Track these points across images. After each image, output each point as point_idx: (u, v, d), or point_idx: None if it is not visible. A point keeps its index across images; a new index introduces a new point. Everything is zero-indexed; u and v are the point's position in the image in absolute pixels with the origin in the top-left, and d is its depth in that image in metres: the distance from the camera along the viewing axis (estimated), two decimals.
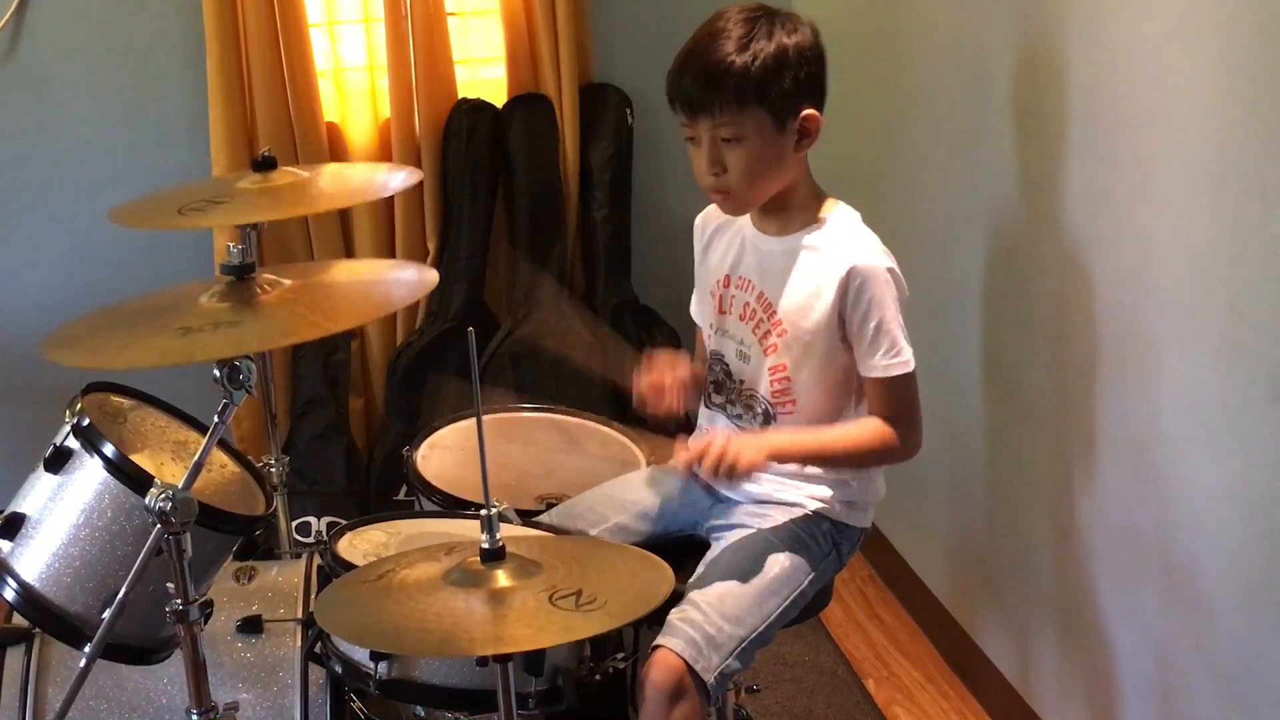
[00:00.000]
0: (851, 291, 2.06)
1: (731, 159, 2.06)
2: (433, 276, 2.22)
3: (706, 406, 2.26)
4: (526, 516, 2.26)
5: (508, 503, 2.14)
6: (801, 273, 2.11)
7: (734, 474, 2.02)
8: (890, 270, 2.08)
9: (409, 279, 2.29)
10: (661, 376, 2.20)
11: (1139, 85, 2.09)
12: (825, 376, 2.13)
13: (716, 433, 2.07)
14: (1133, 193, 2.14)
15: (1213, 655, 2.09)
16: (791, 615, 2.12)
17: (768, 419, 2.16)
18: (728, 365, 2.21)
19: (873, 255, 2.08)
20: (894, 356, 2.07)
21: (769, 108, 2.03)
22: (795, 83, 2.04)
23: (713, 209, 2.26)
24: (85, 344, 2.05)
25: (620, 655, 2.03)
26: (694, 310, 2.33)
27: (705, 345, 2.27)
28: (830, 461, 2.14)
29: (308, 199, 2.28)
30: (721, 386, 2.23)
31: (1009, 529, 2.74)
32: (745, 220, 2.20)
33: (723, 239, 2.24)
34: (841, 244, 2.10)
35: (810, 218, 2.14)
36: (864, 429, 2.12)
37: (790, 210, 2.14)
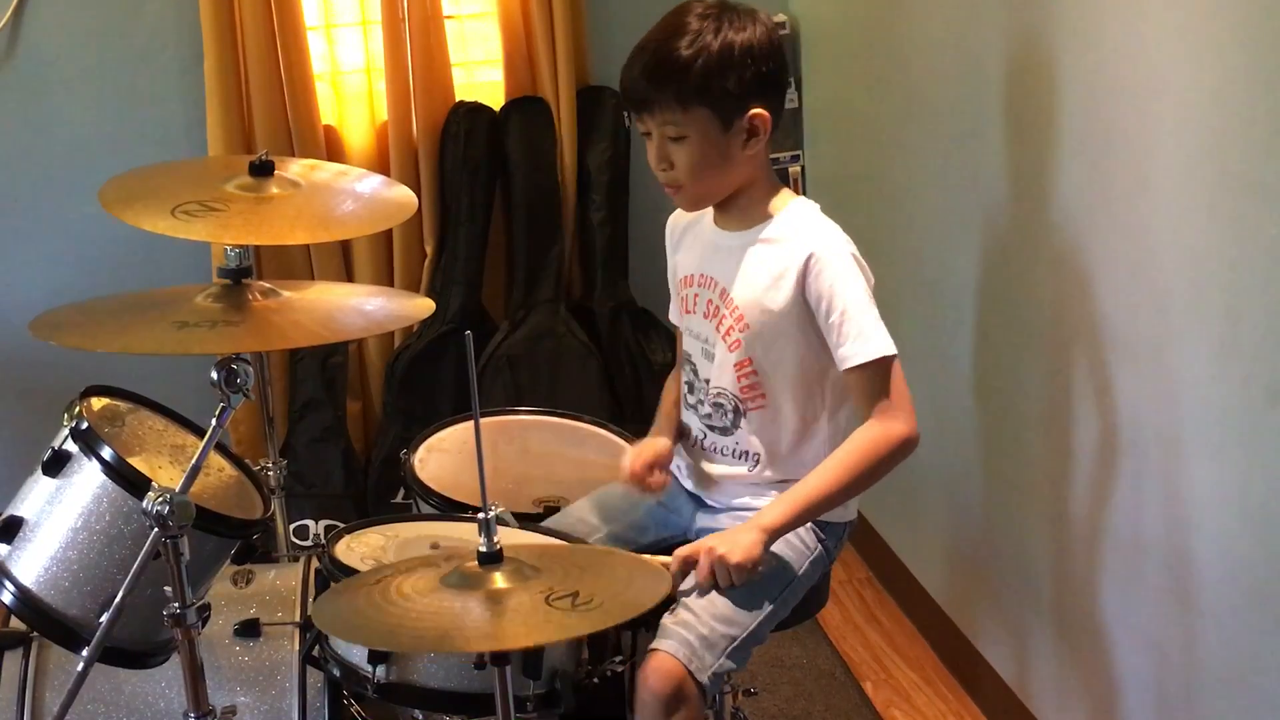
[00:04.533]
0: (812, 278, 2.04)
1: (677, 156, 2.06)
2: (427, 305, 2.23)
3: (685, 407, 2.26)
4: (524, 519, 2.26)
5: (504, 506, 2.14)
6: (759, 264, 2.10)
7: (732, 578, 1.99)
8: (851, 255, 2.06)
9: (404, 309, 2.31)
10: (644, 466, 2.20)
11: (1136, 87, 2.10)
12: (793, 368, 2.12)
13: (704, 540, 2.03)
14: (1130, 195, 2.14)
15: (1210, 657, 2.09)
16: (783, 614, 2.12)
17: (738, 414, 2.16)
18: (695, 365, 2.21)
19: (831, 241, 2.07)
20: (862, 343, 2.02)
21: (713, 107, 2.02)
22: (741, 83, 2.02)
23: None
24: (78, 327, 2.06)
25: (618, 658, 2.03)
26: (672, 314, 2.33)
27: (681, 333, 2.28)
28: (834, 500, 2.08)
29: (302, 224, 2.25)
30: (693, 387, 2.22)
31: (1006, 531, 2.74)
32: (708, 219, 2.19)
33: (688, 239, 2.24)
34: (799, 233, 2.09)
35: (767, 211, 2.13)
36: (848, 451, 2.06)
37: (748, 206, 2.13)
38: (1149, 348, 2.14)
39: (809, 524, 2.14)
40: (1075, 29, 2.25)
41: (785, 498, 2.07)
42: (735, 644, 2.02)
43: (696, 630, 1.99)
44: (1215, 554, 2.04)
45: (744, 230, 2.14)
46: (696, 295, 2.19)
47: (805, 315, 2.07)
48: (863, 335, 2.02)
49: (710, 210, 2.19)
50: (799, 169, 3.59)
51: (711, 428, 2.20)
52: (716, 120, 2.03)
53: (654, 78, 2.03)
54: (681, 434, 2.27)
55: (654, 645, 1.99)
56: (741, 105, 2.04)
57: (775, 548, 2.09)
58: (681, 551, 2.03)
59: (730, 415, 2.17)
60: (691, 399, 2.23)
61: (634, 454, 2.22)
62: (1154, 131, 2.06)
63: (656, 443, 2.24)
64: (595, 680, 2.00)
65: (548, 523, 2.27)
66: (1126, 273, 2.18)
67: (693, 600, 2.03)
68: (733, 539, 2.02)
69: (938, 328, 2.88)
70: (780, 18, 3.52)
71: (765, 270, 2.09)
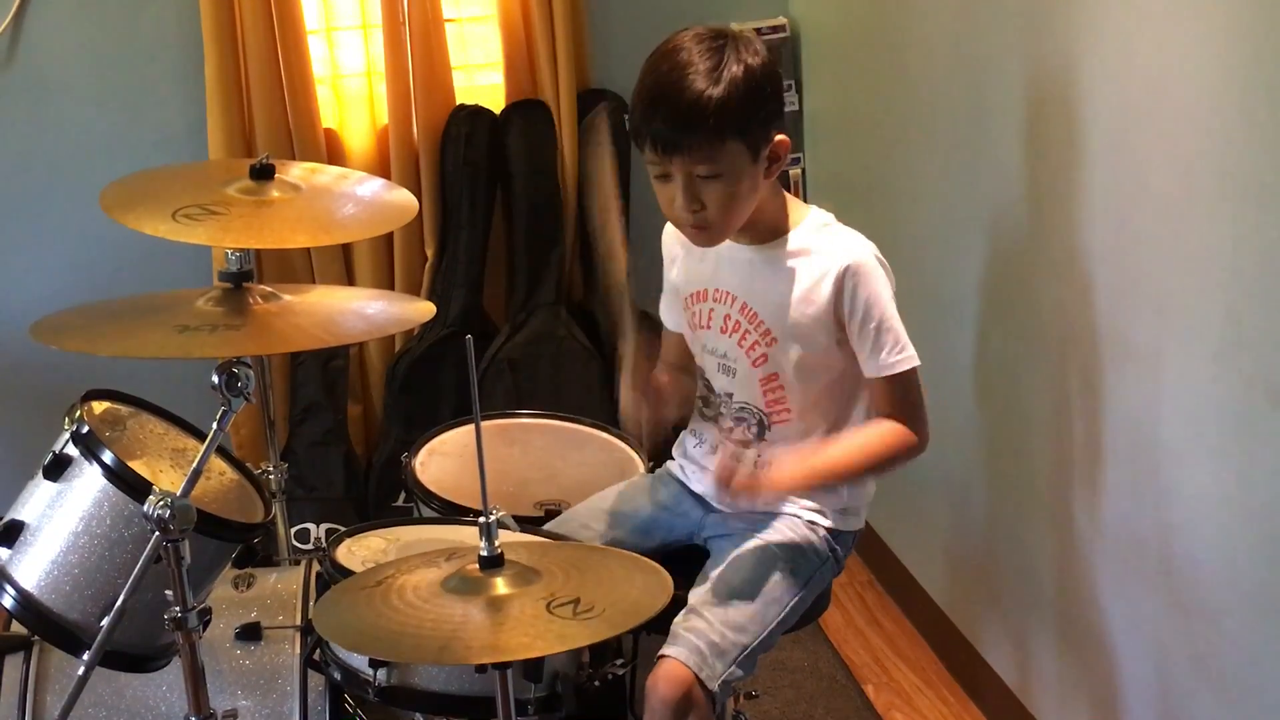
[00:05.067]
0: (847, 291, 2.05)
1: (709, 195, 2.00)
2: (428, 308, 2.23)
3: (700, 419, 2.25)
4: (526, 523, 2.26)
5: (505, 510, 2.14)
6: (787, 278, 2.09)
7: (755, 499, 2.02)
8: (878, 259, 2.07)
9: (404, 312, 2.31)
10: (640, 392, 2.18)
11: (1137, 91, 2.10)
12: (821, 381, 2.12)
13: (745, 459, 2.06)
14: (1130, 198, 2.14)
15: (1212, 660, 2.09)
16: (792, 622, 2.12)
17: (763, 428, 2.16)
18: (710, 380, 2.20)
19: (860, 250, 2.07)
20: (899, 353, 2.05)
21: (745, 140, 1.98)
22: (768, 111, 2.01)
23: None
24: (79, 331, 2.07)
25: (619, 661, 2.03)
26: (664, 313, 2.31)
27: (690, 347, 2.26)
28: (853, 477, 2.10)
29: (303, 228, 2.25)
30: (709, 401, 2.21)
31: (1008, 534, 2.74)
32: None
33: (692, 251, 2.20)
34: (826, 244, 2.08)
35: (784, 224, 2.12)
36: (877, 435, 2.07)
37: (763, 221, 2.11)
38: (1150, 350, 2.14)
39: (824, 534, 2.15)
40: (1076, 33, 2.25)
41: (817, 459, 2.07)
42: (746, 652, 2.02)
43: (707, 637, 1.99)
44: (1217, 557, 2.04)
45: (763, 244, 2.11)
46: (711, 311, 2.17)
47: (834, 325, 2.07)
48: (898, 345, 2.05)
49: None
50: (799, 172, 3.59)
51: (733, 441, 2.19)
52: (747, 153, 1.99)
53: (687, 118, 1.95)
54: (695, 438, 2.27)
55: (664, 651, 1.99)
56: (767, 134, 2.01)
57: (789, 557, 2.10)
58: (723, 468, 2.01)
59: (755, 428, 2.16)
60: (709, 412, 2.22)
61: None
62: (1154, 134, 2.06)
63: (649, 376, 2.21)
64: (596, 683, 2.00)
65: (549, 526, 2.27)
66: (1127, 276, 2.18)
67: (703, 606, 2.03)
68: (769, 476, 2.02)
69: (939, 331, 2.88)
70: (780, 20, 3.52)
71: (795, 283, 2.08)
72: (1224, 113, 1.90)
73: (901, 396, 2.08)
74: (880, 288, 2.05)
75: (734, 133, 1.97)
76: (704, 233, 2.07)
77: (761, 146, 2.01)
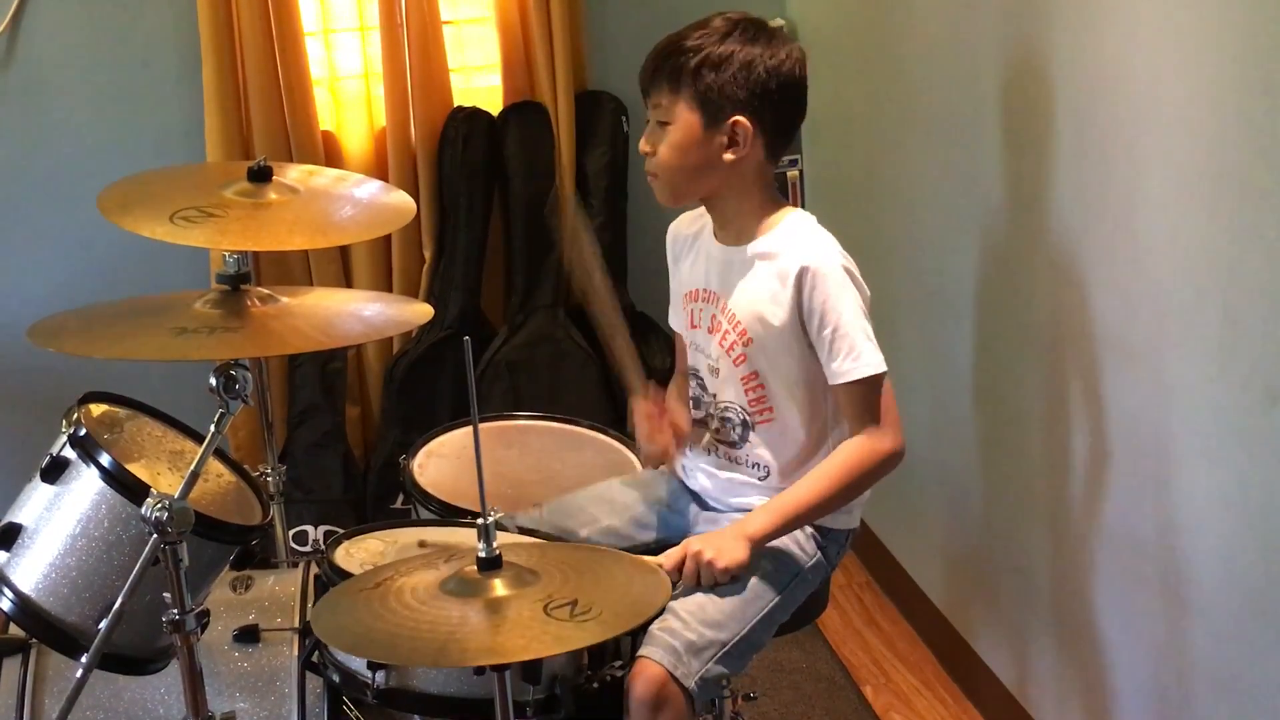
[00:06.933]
0: (805, 292, 2.05)
1: (660, 144, 2.10)
2: (426, 310, 2.24)
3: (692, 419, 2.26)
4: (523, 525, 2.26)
5: (504, 511, 2.14)
6: (757, 279, 2.11)
7: (716, 579, 2.03)
8: (845, 269, 2.07)
9: (402, 314, 2.32)
10: (652, 413, 2.22)
11: (1132, 91, 2.10)
12: (799, 380, 2.12)
13: (690, 541, 2.07)
14: (1127, 198, 2.15)
15: (1209, 660, 2.09)
16: (781, 619, 2.12)
17: (746, 428, 2.17)
18: (702, 380, 2.22)
19: (824, 254, 2.07)
20: (854, 360, 2.04)
21: (699, 102, 2.06)
22: (733, 86, 2.05)
23: (684, 219, 2.28)
24: (77, 334, 2.07)
25: (618, 663, 2.03)
26: (672, 320, 2.33)
27: (687, 355, 2.28)
28: (818, 511, 2.10)
29: (300, 230, 2.24)
30: (699, 402, 2.23)
31: (1006, 535, 2.74)
32: (708, 231, 2.20)
33: (690, 252, 2.25)
34: (793, 246, 2.09)
35: (761, 226, 2.13)
36: (835, 462, 2.09)
37: (744, 219, 2.14)
38: (1147, 351, 2.14)
39: (810, 531, 2.15)
40: (1072, 33, 2.25)
41: (769, 506, 2.09)
42: (725, 649, 2.02)
43: (683, 636, 2.00)
44: (1214, 557, 2.04)
45: (740, 245, 2.14)
46: (700, 310, 2.20)
47: (800, 326, 2.08)
48: (854, 352, 2.04)
49: (710, 223, 2.20)
50: (797, 174, 3.59)
51: (720, 441, 2.20)
52: (700, 116, 2.06)
53: (656, 59, 2.10)
54: (691, 439, 2.27)
55: (640, 652, 2.00)
56: (728, 109, 2.06)
57: (771, 554, 2.10)
58: (670, 560, 2.04)
59: (739, 429, 2.17)
60: (699, 413, 2.24)
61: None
62: (1152, 135, 2.06)
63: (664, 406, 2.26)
64: (595, 685, 2.00)
65: (547, 506, 2.28)
66: (1125, 276, 2.18)
67: (680, 606, 2.04)
68: (718, 543, 2.03)
69: (936, 331, 2.88)
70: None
71: (763, 285, 2.10)
72: (1221, 113, 1.90)
73: (860, 404, 2.07)
74: (838, 292, 2.05)
75: (683, 85, 2.06)
76: (654, 182, 2.15)
77: (717, 118, 2.06)
